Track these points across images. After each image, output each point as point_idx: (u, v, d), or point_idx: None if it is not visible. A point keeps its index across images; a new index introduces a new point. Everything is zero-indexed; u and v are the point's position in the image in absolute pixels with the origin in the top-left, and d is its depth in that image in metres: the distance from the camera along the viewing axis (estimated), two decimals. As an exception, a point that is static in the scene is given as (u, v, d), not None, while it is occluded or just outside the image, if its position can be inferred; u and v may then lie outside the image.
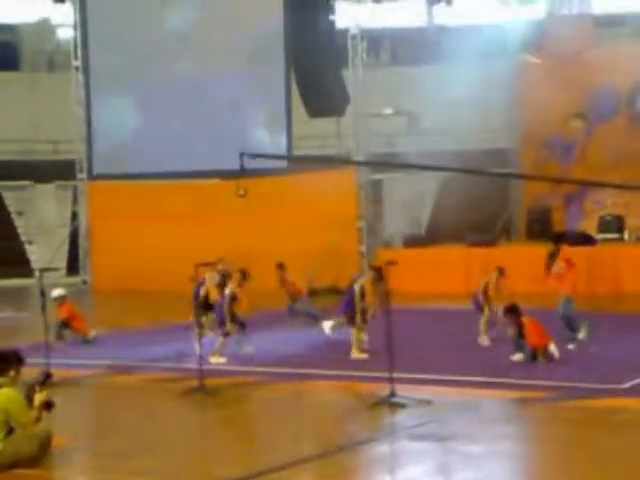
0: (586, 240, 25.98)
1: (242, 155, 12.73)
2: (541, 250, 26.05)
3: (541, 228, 28.52)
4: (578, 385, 12.07)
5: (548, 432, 10.11)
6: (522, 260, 25.05)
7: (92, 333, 17.52)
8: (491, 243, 26.53)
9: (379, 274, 14.48)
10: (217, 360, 14.70)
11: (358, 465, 9.09)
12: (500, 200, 31.67)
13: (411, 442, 9.73)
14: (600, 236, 26.85)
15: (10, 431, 9.00)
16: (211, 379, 12.73)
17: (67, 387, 12.42)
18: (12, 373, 9.22)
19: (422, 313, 20.08)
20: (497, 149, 32.78)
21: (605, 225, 27.73)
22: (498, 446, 9.47)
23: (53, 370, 11.42)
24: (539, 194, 30.05)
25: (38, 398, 9.22)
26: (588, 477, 8.25)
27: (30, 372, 9.74)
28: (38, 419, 9.20)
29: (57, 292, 17.51)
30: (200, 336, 13.82)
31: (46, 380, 9.47)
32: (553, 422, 10.46)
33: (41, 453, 9.04)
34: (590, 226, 27.94)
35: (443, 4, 39.40)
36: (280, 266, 19.51)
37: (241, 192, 13.17)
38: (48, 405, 9.25)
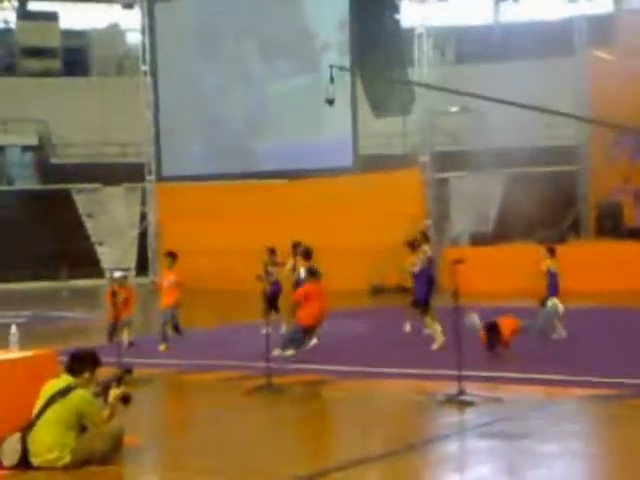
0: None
1: (331, 67, 12.88)
2: (611, 247, 25.91)
3: (612, 224, 28.20)
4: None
5: (620, 430, 9.95)
6: (591, 257, 24.81)
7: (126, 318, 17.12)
8: (560, 240, 26.25)
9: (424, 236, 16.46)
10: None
11: (427, 464, 9.04)
12: (568, 196, 31.35)
13: (481, 440, 9.65)
14: (671, 232, 26.51)
15: (83, 429, 9.12)
16: (278, 377, 12.79)
17: (138, 386, 12.54)
18: (87, 375, 9.27)
19: (490, 311, 19.90)
20: (565, 146, 32.43)
21: (677, 221, 27.36)
22: (570, 445, 9.35)
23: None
24: (608, 190, 29.65)
25: (113, 394, 9.30)
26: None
27: (102, 372, 9.86)
28: (112, 416, 9.29)
29: (119, 273, 17.68)
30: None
31: (125, 375, 9.57)
32: (626, 420, 10.30)
33: (113, 450, 9.13)
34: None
35: (510, 1, 39.12)
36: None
37: (329, 97, 13.24)
38: (125, 399, 9.35)
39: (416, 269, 16.15)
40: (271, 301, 17.13)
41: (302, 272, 16.37)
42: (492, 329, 14.52)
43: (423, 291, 16.14)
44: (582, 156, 32.01)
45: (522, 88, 27.62)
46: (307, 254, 16.23)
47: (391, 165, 29.74)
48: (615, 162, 29.68)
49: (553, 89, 29.46)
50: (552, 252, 16.81)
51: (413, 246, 16.38)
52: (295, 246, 17.72)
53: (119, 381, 9.41)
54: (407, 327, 17.43)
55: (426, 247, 17.66)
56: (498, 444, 9.51)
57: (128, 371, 9.78)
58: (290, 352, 14.76)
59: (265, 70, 32.41)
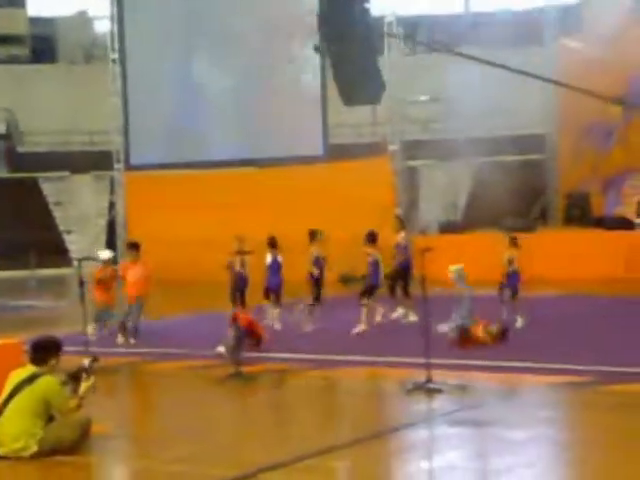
0: (625, 225, 25.84)
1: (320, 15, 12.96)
2: (579, 235, 26.06)
3: (580, 213, 28.37)
4: (616, 369, 11.97)
5: (587, 417, 10.04)
6: (559, 245, 24.95)
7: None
8: (528, 229, 26.38)
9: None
10: None
11: (395, 451, 9.07)
12: (536, 185, 31.52)
13: (449, 428, 9.70)
14: (639, 221, 26.65)
15: (50, 418, 9.07)
16: (247, 366, 12.79)
17: (105, 375, 12.49)
18: (53, 362, 9.26)
19: (458, 299, 19.95)
20: (534, 135, 32.57)
21: (644, 210, 27.57)
22: (537, 431, 9.41)
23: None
24: (577, 179, 29.83)
25: (85, 386, 9.29)
26: (629, 462, 8.17)
27: (69, 360, 9.82)
28: (79, 407, 9.26)
29: (107, 254, 17.47)
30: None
31: (93, 364, 9.54)
32: (591, 407, 10.38)
33: (81, 440, 9.09)
34: (629, 211, 27.76)
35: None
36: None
37: (316, 46, 13.48)
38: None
39: (370, 258, 16.53)
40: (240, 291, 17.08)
41: (268, 258, 16.94)
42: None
43: (375, 282, 16.61)
44: (550, 145, 32.17)
45: (492, 76, 27.70)
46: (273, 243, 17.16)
47: (361, 154, 29.73)
48: (583, 151, 29.85)
49: (522, 77, 29.52)
50: (514, 242, 16.94)
51: (372, 238, 16.76)
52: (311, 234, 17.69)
53: (88, 372, 9.38)
54: (379, 316, 17.45)
55: (402, 233, 17.91)
56: (466, 431, 9.55)
57: (95, 359, 9.76)
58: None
59: (235, 58, 32.26)
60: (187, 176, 31.47)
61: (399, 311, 17.78)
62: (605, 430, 9.33)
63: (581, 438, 9.24)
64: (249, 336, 14.25)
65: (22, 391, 8.94)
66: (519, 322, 16.21)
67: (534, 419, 9.94)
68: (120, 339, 16.22)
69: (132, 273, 16.46)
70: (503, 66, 14.70)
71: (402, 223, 18.86)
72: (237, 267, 16.61)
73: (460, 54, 14.70)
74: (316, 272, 17.02)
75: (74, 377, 9.36)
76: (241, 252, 16.93)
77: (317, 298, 17.11)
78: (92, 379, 9.34)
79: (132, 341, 16.12)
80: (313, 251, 17.16)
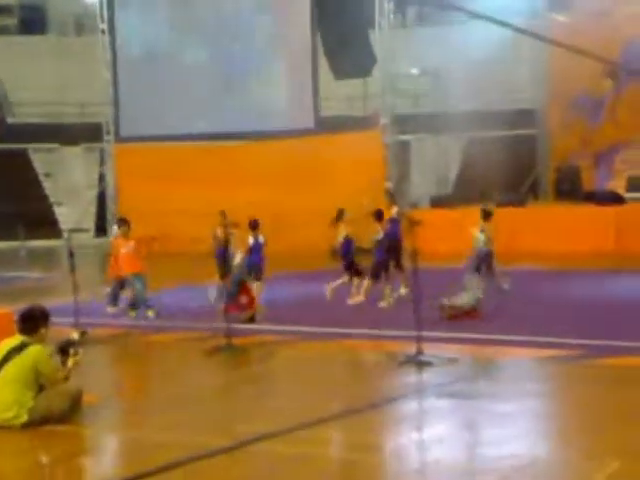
0: (615, 199, 25.89)
1: None
2: (569, 210, 26.11)
3: (570, 188, 28.39)
4: (605, 343, 12.02)
5: (575, 390, 10.08)
6: (550, 220, 25.00)
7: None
8: (519, 203, 26.43)
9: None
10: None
11: (386, 422, 9.11)
12: (527, 159, 31.52)
13: (439, 400, 9.73)
14: (629, 195, 26.73)
15: (41, 388, 9.08)
16: (239, 338, 12.80)
17: (96, 345, 12.51)
18: (42, 330, 9.28)
19: (449, 272, 20.02)
20: (524, 109, 32.53)
21: (634, 184, 27.61)
22: (526, 404, 9.45)
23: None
24: (568, 153, 29.83)
25: (73, 360, 9.31)
26: (617, 435, 8.21)
27: (59, 331, 9.81)
28: (67, 379, 9.29)
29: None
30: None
31: (83, 337, 9.57)
32: (580, 380, 10.42)
33: (72, 410, 9.11)
34: (619, 185, 27.82)
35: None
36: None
37: None
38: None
39: (379, 237, 16.52)
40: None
41: (250, 240, 16.66)
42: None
43: (381, 257, 16.60)
44: (541, 119, 32.14)
45: (483, 49, 27.65)
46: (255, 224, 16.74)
47: (352, 127, 29.70)
48: (572, 125, 29.84)
49: (513, 50, 29.50)
50: (487, 215, 16.93)
51: (379, 216, 16.70)
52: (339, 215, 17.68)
53: (77, 345, 9.40)
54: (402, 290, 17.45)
55: (395, 208, 17.92)
56: (456, 403, 9.59)
57: (84, 332, 9.78)
58: None
59: (226, 30, 32.12)
60: (177, 148, 31.41)
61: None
62: (594, 403, 9.38)
63: (570, 411, 9.29)
64: (241, 293, 14.60)
65: (11, 360, 8.96)
66: (506, 285, 16.35)
67: (523, 392, 9.98)
68: (133, 313, 16.37)
69: (125, 247, 16.47)
70: (508, 24, 14.63)
71: (393, 198, 18.87)
72: (221, 239, 16.52)
73: (478, 15, 14.53)
74: (341, 241, 17.02)
75: (62, 350, 9.38)
76: (227, 225, 16.86)
77: (350, 274, 17.09)
78: (80, 353, 9.36)
79: (132, 313, 16.31)
80: (341, 230, 17.14)
